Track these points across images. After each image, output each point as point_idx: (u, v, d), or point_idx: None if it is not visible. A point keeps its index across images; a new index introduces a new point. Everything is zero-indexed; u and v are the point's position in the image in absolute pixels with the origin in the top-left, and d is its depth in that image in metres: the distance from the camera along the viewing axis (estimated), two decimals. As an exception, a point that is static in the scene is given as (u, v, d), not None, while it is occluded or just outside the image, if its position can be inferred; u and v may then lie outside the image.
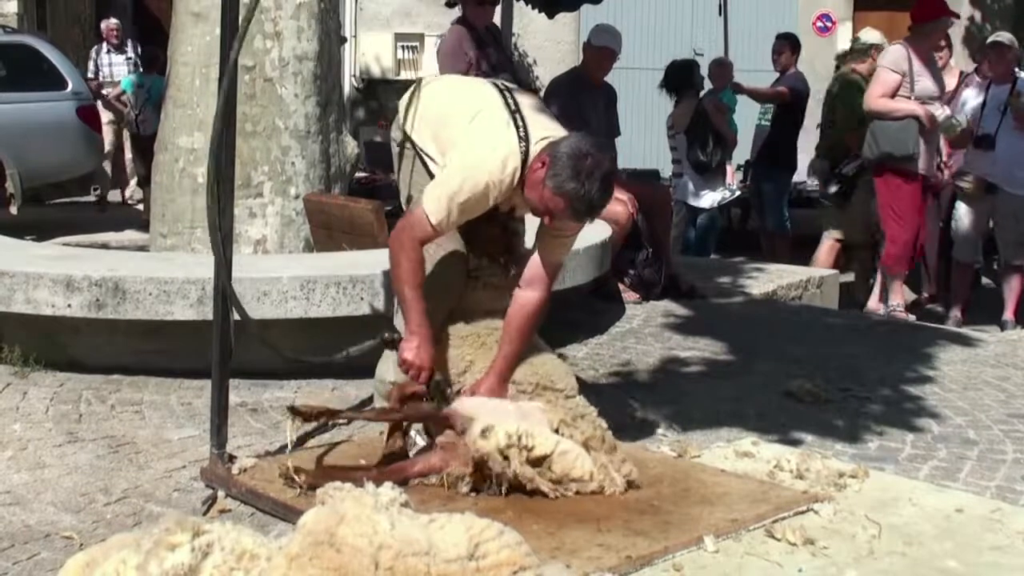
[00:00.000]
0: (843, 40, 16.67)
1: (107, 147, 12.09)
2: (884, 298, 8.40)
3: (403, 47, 16.79)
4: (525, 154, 3.84)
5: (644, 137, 13.56)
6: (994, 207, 8.47)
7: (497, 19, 7.75)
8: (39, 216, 10.06)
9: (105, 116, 12.09)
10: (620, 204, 7.01)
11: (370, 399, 4.70)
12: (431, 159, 4.06)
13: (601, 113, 7.66)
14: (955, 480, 4.31)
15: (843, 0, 17.00)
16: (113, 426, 4.63)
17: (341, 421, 4.64)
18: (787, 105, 10.42)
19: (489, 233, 4.05)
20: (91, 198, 11.67)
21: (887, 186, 8.07)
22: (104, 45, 12.88)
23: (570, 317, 6.56)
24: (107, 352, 5.28)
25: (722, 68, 10.97)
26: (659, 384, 5.53)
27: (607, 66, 7.67)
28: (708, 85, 10.40)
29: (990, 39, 9.01)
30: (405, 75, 15.97)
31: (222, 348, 3.95)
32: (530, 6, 9.07)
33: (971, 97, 8.86)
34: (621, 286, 7.33)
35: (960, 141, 8.59)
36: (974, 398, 5.46)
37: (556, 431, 3.82)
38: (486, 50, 7.05)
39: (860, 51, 9.40)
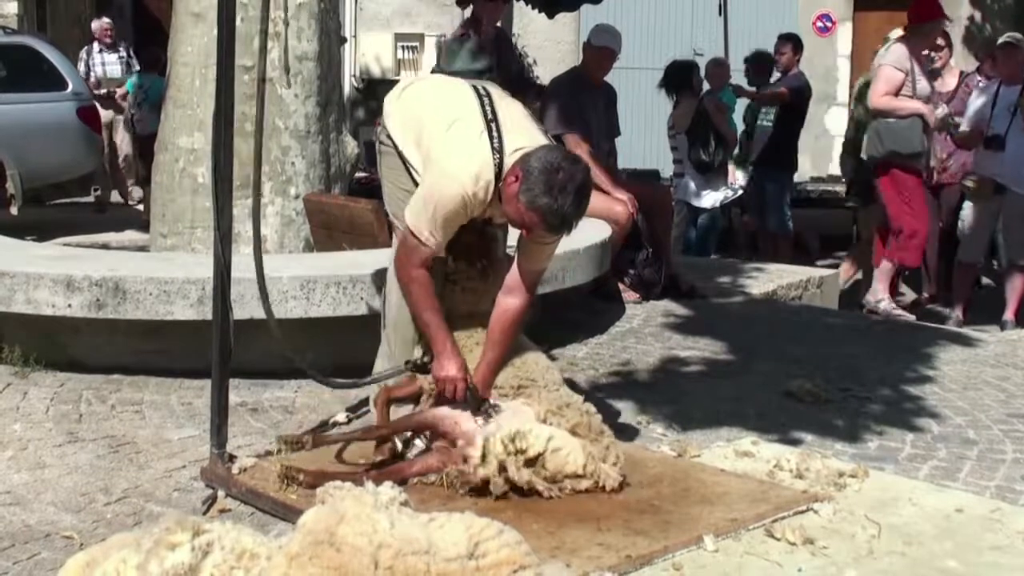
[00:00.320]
0: (843, 40, 16.71)
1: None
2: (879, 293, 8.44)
3: (403, 47, 16.80)
4: (499, 166, 3.80)
5: (644, 137, 13.56)
6: (1002, 207, 8.46)
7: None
8: (39, 216, 10.06)
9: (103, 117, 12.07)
10: (620, 204, 7.02)
11: (368, 399, 4.70)
12: (412, 166, 4.05)
13: (601, 113, 7.66)
14: (955, 480, 4.31)
15: (843, 0, 17.00)
16: (113, 426, 4.63)
17: (341, 420, 4.69)
18: (789, 105, 10.44)
19: (466, 240, 4.03)
20: (91, 198, 11.67)
21: (896, 183, 8.09)
22: (95, 45, 12.84)
23: (570, 317, 6.56)
24: (107, 352, 5.28)
25: (720, 68, 10.97)
26: (659, 384, 5.53)
27: (607, 66, 7.67)
28: (707, 85, 10.42)
29: (1001, 40, 9.00)
30: (405, 75, 15.98)
31: (222, 348, 3.96)
32: (530, 6, 9.09)
33: (976, 97, 8.86)
34: (621, 286, 7.33)
35: (970, 141, 8.59)
36: (974, 398, 5.46)
37: (544, 422, 3.83)
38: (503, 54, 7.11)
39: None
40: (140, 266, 5.38)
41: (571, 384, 4.51)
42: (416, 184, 4.04)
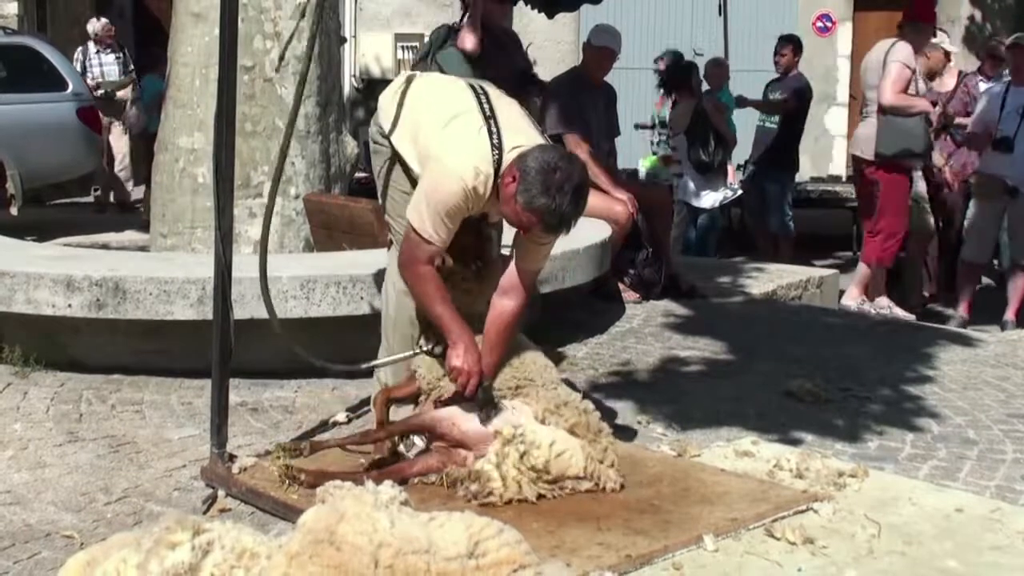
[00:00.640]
0: (843, 40, 16.70)
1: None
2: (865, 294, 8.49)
3: (403, 47, 16.79)
4: (498, 162, 3.80)
5: (644, 137, 13.54)
6: (1008, 208, 8.46)
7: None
8: (39, 217, 10.06)
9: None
10: (620, 204, 7.02)
11: (369, 399, 4.70)
12: (408, 164, 4.03)
13: (601, 113, 7.66)
14: (955, 480, 4.31)
15: (843, 0, 17.00)
16: (113, 426, 4.63)
17: (341, 420, 4.69)
18: (791, 108, 10.47)
19: (462, 240, 4.02)
20: (90, 198, 11.67)
21: (893, 184, 8.10)
22: (91, 45, 12.78)
23: (570, 317, 6.57)
24: (107, 352, 5.28)
25: (720, 68, 10.98)
26: (659, 384, 5.53)
27: (607, 66, 7.67)
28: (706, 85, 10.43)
29: (1010, 40, 8.99)
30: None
31: (222, 348, 3.96)
32: (530, 6, 9.07)
33: (984, 98, 8.85)
34: (621, 286, 7.33)
35: (978, 143, 8.59)
36: (974, 398, 5.46)
37: (542, 421, 3.83)
38: (507, 52, 7.11)
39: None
40: (140, 266, 5.39)
41: (571, 384, 4.51)
42: (411, 182, 4.04)
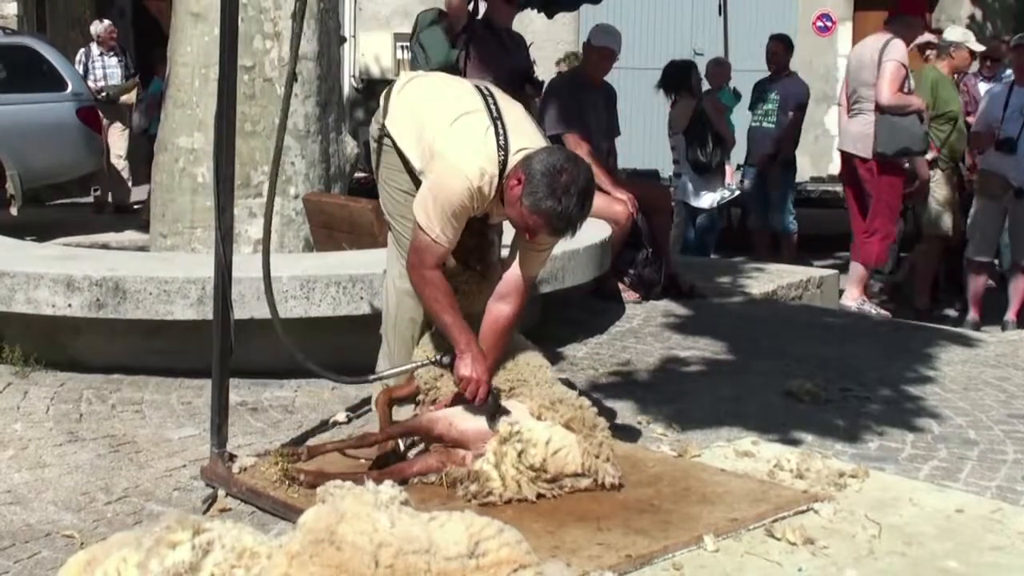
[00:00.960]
0: (843, 40, 16.71)
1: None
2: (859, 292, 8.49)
3: (402, 47, 16.80)
4: (503, 163, 3.79)
5: (644, 137, 13.57)
6: (1010, 208, 8.45)
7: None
8: (39, 217, 10.06)
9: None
10: (620, 204, 7.03)
11: (369, 399, 4.70)
12: (412, 162, 4.02)
13: (601, 113, 7.66)
14: (955, 480, 4.31)
15: (843, 0, 17.00)
16: (114, 425, 4.63)
17: (341, 420, 4.68)
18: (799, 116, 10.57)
19: (466, 243, 4.01)
20: (90, 199, 11.66)
21: (889, 184, 8.10)
22: (94, 47, 12.74)
23: (570, 317, 6.57)
24: (107, 352, 5.28)
25: (720, 68, 10.98)
26: (659, 384, 5.53)
27: (607, 66, 7.67)
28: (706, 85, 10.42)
29: (1014, 41, 8.98)
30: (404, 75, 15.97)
31: (222, 347, 3.96)
32: (529, 6, 9.08)
33: (986, 98, 8.85)
34: (621, 286, 7.33)
35: (980, 143, 8.59)
36: (975, 398, 5.46)
37: (539, 418, 3.82)
38: (508, 51, 7.14)
39: (942, 48, 9.38)
40: (140, 266, 5.38)
41: (569, 383, 4.51)
42: (413, 182, 4.04)
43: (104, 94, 12.16)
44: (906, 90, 7.94)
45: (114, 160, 12.36)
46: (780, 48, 10.69)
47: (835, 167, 15.96)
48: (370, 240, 5.82)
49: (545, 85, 7.76)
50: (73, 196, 11.51)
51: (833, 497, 3.84)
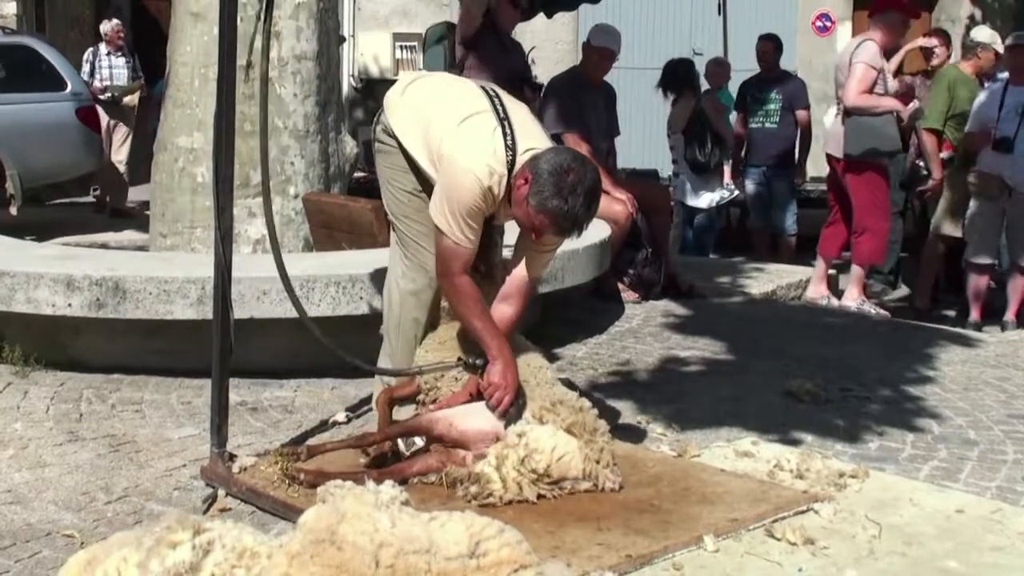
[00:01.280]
0: (843, 39, 16.70)
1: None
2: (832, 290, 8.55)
3: (401, 47, 16.82)
4: (511, 163, 3.79)
5: (644, 137, 13.57)
6: (1008, 208, 8.44)
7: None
8: (39, 216, 10.06)
9: (105, 121, 11.96)
10: (620, 204, 7.03)
11: (369, 399, 4.70)
12: (419, 163, 4.01)
13: (601, 113, 7.66)
14: (955, 480, 4.31)
15: (842, 0, 17.00)
16: (114, 425, 4.63)
17: (341, 420, 4.68)
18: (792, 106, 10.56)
19: None
20: (90, 198, 11.65)
21: (867, 182, 8.16)
22: (103, 47, 12.70)
23: (570, 316, 6.57)
24: (107, 351, 5.28)
25: (721, 68, 10.98)
26: (658, 384, 5.53)
27: (606, 66, 7.67)
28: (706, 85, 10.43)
29: (1009, 40, 8.97)
30: (404, 75, 15.95)
31: (222, 347, 3.96)
32: (533, 12, 9.06)
33: (981, 97, 8.84)
34: (620, 285, 7.33)
35: (975, 143, 8.58)
36: (974, 398, 5.46)
37: (540, 420, 3.82)
38: (508, 53, 7.15)
39: (968, 48, 9.37)
40: (140, 266, 5.38)
41: (569, 383, 4.51)
42: (418, 181, 4.04)
43: (109, 95, 12.12)
44: (880, 91, 7.98)
45: (114, 162, 12.33)
46: (770, 48, 10.72)
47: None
48: (370, 240, 5.83)
49: (544, 87, 7.76)
50: (73, 196, 11.50)
51: (833, 497, 3.84)
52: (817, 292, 8.44)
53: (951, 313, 9.00)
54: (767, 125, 10.67)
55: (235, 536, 2.78)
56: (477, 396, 3.95)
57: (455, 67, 7.12)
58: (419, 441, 4.02)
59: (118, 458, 4.26)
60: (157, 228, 6.64)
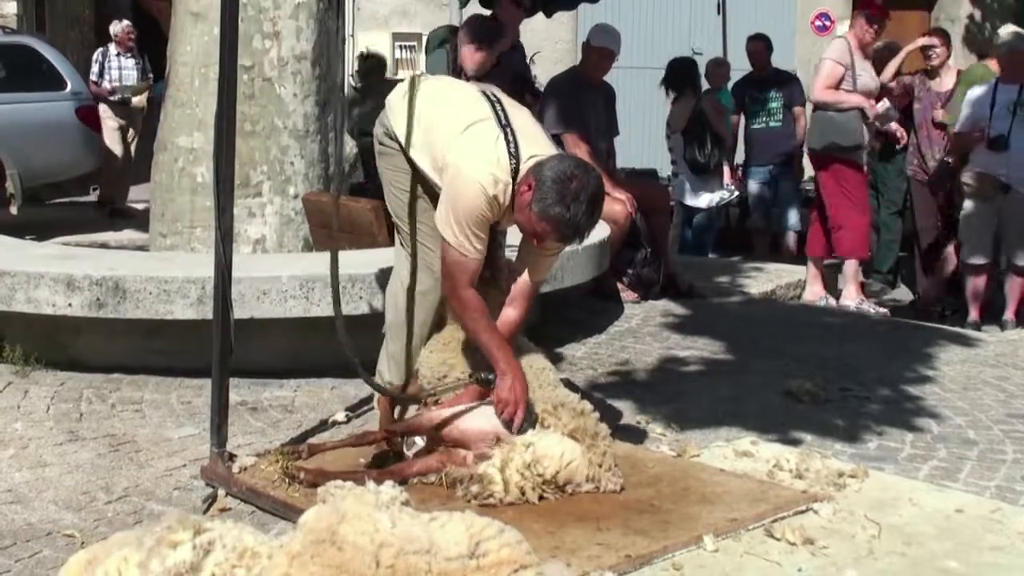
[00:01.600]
0: (842, 39, 16.70)
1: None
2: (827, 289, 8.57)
3: (401, 47, 16.79)
4: (515, 171, 3.80)
5: (643, 137, 13.55)
6: (1003, 207, 8.43)
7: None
8: (39, 216, 10.05)
9: (115, 122, 11.94)
10: (619, 204, 7.02)
11: (369, 398, 4.71)
12: (422, 169, 4.02)
13: (600, 113, 7.66)
14: (955, 480, 4.31)
15: (841, -1, 17.00)
16: (114, 425, 4.63)
17: (341, 420, 4.69)
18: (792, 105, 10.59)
19: None
20: (91, 198, 11.64)
21: (836, 177, 8.30)
22: (112, 47, 12.67)
23: (569, 316, 6.57)
24: (107, 351, 5.28)
25: (721, 68, 10.98)
26: (658, 383, 5.53)
27: (606, 66, 7.67)
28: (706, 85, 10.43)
29: (999, 39, 8.97)
30: (403, 75, 15.94)
31: (222, 347, 3.96)
32: (534, 12, 9.05)
33: (971, 97, 8.83)
34: (620, 285, 7.33)
35: (967, 142, 8.58)
36: (974, 398, 5.46)
37: (541, 422, 3.82)
38: (510, 53, 7.16)
39: (995, 46, 9.36)
40: (140, 265, 5.39)
41: (571, 385, 4.51)
42: (420, 185, 4.04)
43: (117, 95, 12.11)
44: (848, 87, 8.11)
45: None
46: (761, 47, 10.76)
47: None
48: (370, 240, 5.83)
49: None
50: (73, 195, 11.49)
51: (833, 497, 3.84)
52: (813, 294, 8.47)
53: (950, 313, 8.99)
54: (771, 124, 10.68)
55: (235, 536, 2.79)
56: (477, 396, 3.95)
57: (457, 71, 7.12)
58: (420, 441, 4.02)
59: (118, 458, 4.26)
60: (157, 228, 6.65)
